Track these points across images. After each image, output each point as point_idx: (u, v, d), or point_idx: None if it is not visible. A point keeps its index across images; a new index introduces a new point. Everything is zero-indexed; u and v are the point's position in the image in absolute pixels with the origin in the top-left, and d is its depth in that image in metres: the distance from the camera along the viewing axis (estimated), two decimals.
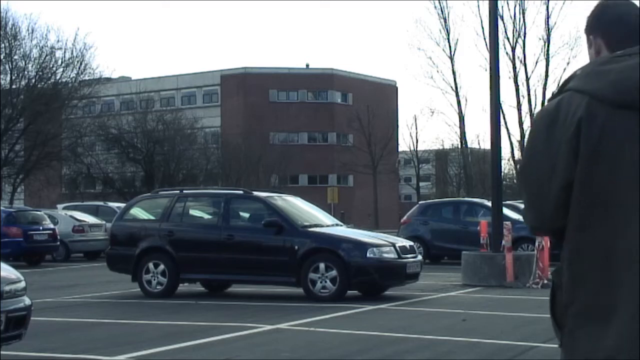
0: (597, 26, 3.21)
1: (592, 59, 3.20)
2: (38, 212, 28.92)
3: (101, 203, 36.34)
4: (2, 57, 50.90)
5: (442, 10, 65.65)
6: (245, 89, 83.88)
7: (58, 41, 53.63)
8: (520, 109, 62.00)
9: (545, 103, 3.21)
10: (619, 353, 2.82)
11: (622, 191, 2.90)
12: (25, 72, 52.34)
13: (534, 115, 3.26)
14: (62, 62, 53.16)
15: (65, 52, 53.18)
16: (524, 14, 61.39)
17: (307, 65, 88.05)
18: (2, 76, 51.20)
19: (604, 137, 2.88)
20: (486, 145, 64.91)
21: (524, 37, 61.61)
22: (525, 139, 3.21)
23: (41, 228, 27.35)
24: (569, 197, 2.96)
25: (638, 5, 3.20)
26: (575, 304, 2.99)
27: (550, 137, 2.98)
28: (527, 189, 3.09)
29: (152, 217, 17.31)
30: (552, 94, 3.14)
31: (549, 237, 3.46)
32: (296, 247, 15.51)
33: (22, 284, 8.66)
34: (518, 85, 61.79)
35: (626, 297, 2.87)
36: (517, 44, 61.55)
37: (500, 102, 22.85)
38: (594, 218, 2.94)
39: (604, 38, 3.17)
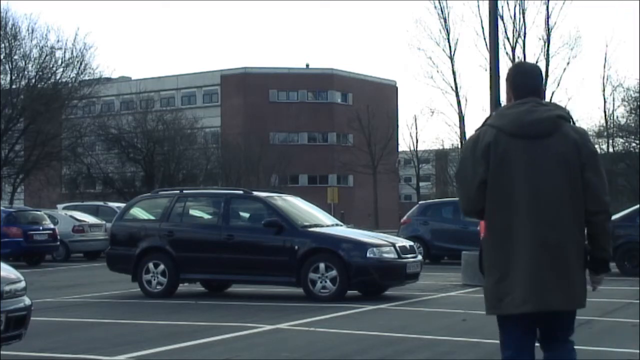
0: (510, 82, 5.31)
1: (507, 100, 5.35)
2: (38, 212, 28.91)
3: (101, 203, 36.31)
4: (2, 57, 50.88)
5: (442, 10, 65.51)
6: (245, 89, 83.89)
7: (58, 41, 53.67)
8: None
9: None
10: (512, 291, 5.04)
11: (515, 187, 5.04)
12: (25, 72, 52.36)
13: (465, 140, 5.79)
14: (62, 62, 53.17)
15: (65, 52, 53.22)
16: (524, 14, 61.33)
17: (307, 65, 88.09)
18: (2, 76, 51.23)
19: (505, 154, 5.05)
20: None
21: (524, 37, 61.54)
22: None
23: (41, 228, 27.35)
24: (485, 190, 5.10)
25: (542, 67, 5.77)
26: (489, 259, 5.19)
27: (473, 153, 5.12)
28: (460, 184, 5.26)
29: (152, 217, 17.30)
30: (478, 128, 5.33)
31: (474, 216, 5.32)
32: (296, 247, 15.50)
33: (22, 284, 8.66)
34: None
35: (517, 256, 5.04)
36: (517, 44, 61.47)
37: (500, 102, 22.82)
38: (500, 204, 5.08)
39: (513, 91, 5.29)
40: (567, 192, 5.06)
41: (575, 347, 5.37)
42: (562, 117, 5.14)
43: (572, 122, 5.20)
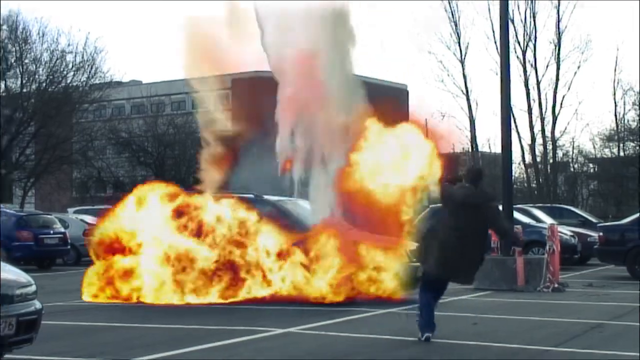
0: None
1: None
2: (49, 216, 28.93)
3: (112, 207, 36.23)
4: (13, 61, 51.02)
5: (452, 14, 65.45)
6: (255, 92, 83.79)
7: (69, 45, 53.66)
8: (531, 113, 61.74)
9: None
10: (432, 268, 11.01)
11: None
12: (36, 76, 52.39)
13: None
14: (72, 66, 53.19)
15: (75, 55, 53.23)
16: (534, 17, 61.14)
17: None
18: (12, 80, 51.33)
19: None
20: (497, 149, 64.54)
21: (535, 40, 61.35)
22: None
23: (52, 232, 27.36)
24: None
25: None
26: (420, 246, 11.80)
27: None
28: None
29: None
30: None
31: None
32: None
33: (33, 288, 8.67)
34: (529, 89, 61.51)
35: (434, 246, 11.05)
36: (528, 48, 61.28)
37: (511, 105, 22.86)
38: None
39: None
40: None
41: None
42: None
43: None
